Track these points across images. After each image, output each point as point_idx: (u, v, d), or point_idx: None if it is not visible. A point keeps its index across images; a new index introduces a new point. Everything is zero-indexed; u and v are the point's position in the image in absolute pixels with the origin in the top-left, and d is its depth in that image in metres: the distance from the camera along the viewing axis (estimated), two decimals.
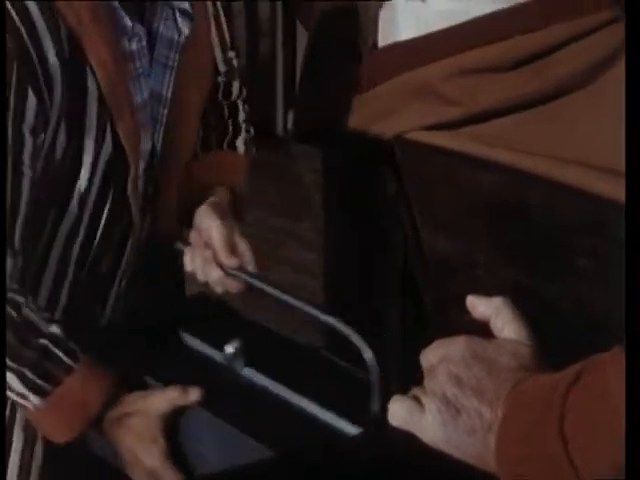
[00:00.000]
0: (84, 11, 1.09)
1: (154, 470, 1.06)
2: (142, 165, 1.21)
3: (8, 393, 1.10)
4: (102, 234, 1.20)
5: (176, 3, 1.19)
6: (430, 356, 0.74)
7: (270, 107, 2.52)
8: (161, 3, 1.18)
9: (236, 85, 1.43)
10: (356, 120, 1.62)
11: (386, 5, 1.68)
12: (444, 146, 1.47)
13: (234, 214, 1.29)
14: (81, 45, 1.10)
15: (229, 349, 1.10)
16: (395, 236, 1.60)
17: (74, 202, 1.17)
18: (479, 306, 0.76)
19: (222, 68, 1.38)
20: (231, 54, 1.42)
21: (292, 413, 1.04)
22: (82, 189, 1.16)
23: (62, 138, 1.12)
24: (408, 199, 1.53)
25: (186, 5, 1.19)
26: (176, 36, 1.20)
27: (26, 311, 1.09)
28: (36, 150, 1.10)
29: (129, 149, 1.16)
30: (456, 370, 0.71)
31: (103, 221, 1.19)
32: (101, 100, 1.13)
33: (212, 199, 1.29)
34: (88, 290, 1.24)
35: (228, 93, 1.42)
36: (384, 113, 1.54)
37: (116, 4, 1.12)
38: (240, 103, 1.44)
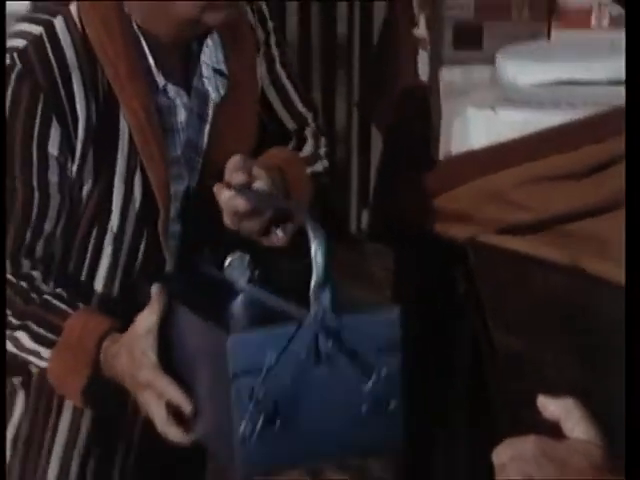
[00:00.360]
0: (122, 66, 1.16)
1: (148, 383, 1.09)
2: (177, 206, 1.25)
3: (30, 358, 1.16)
4: (137, 272, 1.25)
5: (213, 64, 1.24)
6: (501, 454, 0.76)
7: (344, 207, 2.60)
8: (200, 62, 1.23)
9: (309, 130, 1.41)
10: (429, 222, 1.68)
11: (458, 113, 1.77)
12: (515, 249, 1.51)
13: (274, 181, 1.21)
14: (116, 95, 1.17)
15: (227, 261, 1.15)
16: (464, 335, 1.64)
17: (108, 243, 1.22)
18: (549, 406, 0.77)
19: (291, 126, 1.39)
20: (307, 114, 1.41)
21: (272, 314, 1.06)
22: (114, 230, 1.21)
23: (88, 175, 1.18)
24: (479, 299, 1.58)
25: (222, 66, 1.24)
26: (211, 93, 1.24)
27: (38, 282, 1.17)
28: (64, 176, 1.17)
29: (159, 195, 1.21)
30: (528, 469, 0.72)
31: (139, 261, 1.24)
32: (132, 147, 1.19)
33: None
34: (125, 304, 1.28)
35: (301, 139, 1.40)
36: (457, 216, 1.60)
37: (151, 62, 1.19)
38: (312, 135, 1.41)
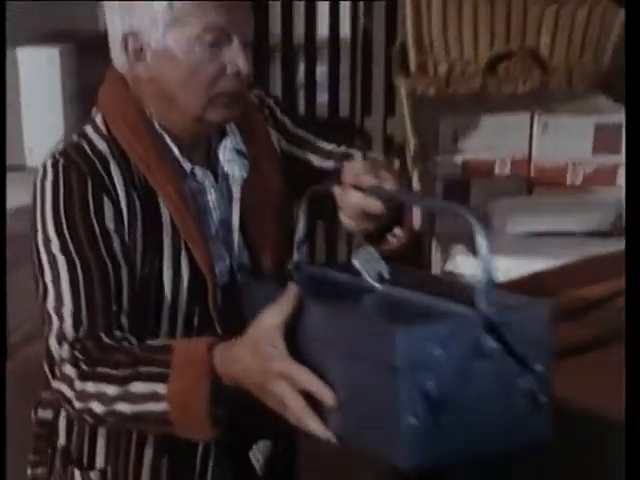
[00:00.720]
0: (152, 160, 1.25)
1: (282, 372, 1.07)
2: (222, 283, 1.28)
3: (147, 407, 1.14)
4: None
5: (235, 145, 1.32)
6: None
7: None
8: (222, 146, 1.31)
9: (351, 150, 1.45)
10: None
11: (449, 260, 1.91)
12: None
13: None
14: (151, 184, 1.24)
15: (356, 253, 1.15)
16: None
17: (164, 321, 1.25)
18: None
19: (326, 165, 1.43)
20: (339, 147, 1.44)
21: (415, 307, 1.04)
22: (168, 308, 1.26)
23: (139, 256, 1.23)
24: None
25: (242, 147, 1.32)
26: (235, 174, 1.32)
27: (133, 340, 1.18)
28: (124, 247, 1.22)
29: (206, 272, 1.25)
30: None
31: (194, 334, 1.25)
32: (174, 229, 1.25)
33: None
34: None
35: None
36: None
37: (177, 153, 1.26)
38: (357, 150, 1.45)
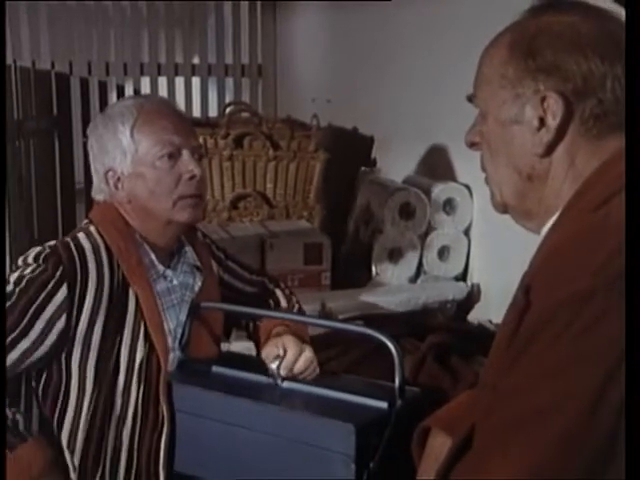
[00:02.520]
0: (132, 259, 1.38)
1: None
2: (173, 373, 1.40)
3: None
4: (140, 431, 1.39)
5: (194, 262, 1.49)
6: None
7: None
8: (181, 261, 1.48)
9: (270, 286, 1.70)
10: None
11: None
12: None
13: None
14: (129, 280, 1.36)
15: (272, 365, 1.37)
16: None
17: (117, 403, 1.36)
18: None
19: (250, 290, 1.66)
20: (261, 278, 1.70)
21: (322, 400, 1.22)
22: (121, 388, 1.36)
23: (98, 335, 1.33)
24: None
25: (198, 263, 1.50)
26: (191, 281, 1.48)
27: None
28: (47, 330, 1.30)
29: (162, 360, 1.37)
30: None
31: (140, 413, 1.38)
32: (136, 318, 1.35)
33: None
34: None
35: (269, 292, 1.69)
36: None
37: (153, 257, 1.41)
38: (275, 286, 1.70)
